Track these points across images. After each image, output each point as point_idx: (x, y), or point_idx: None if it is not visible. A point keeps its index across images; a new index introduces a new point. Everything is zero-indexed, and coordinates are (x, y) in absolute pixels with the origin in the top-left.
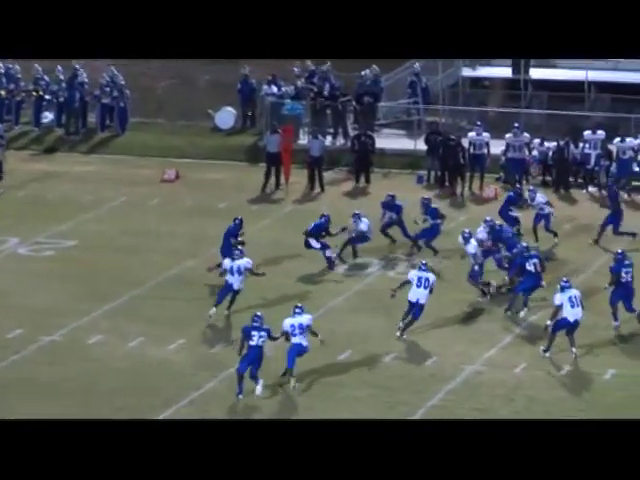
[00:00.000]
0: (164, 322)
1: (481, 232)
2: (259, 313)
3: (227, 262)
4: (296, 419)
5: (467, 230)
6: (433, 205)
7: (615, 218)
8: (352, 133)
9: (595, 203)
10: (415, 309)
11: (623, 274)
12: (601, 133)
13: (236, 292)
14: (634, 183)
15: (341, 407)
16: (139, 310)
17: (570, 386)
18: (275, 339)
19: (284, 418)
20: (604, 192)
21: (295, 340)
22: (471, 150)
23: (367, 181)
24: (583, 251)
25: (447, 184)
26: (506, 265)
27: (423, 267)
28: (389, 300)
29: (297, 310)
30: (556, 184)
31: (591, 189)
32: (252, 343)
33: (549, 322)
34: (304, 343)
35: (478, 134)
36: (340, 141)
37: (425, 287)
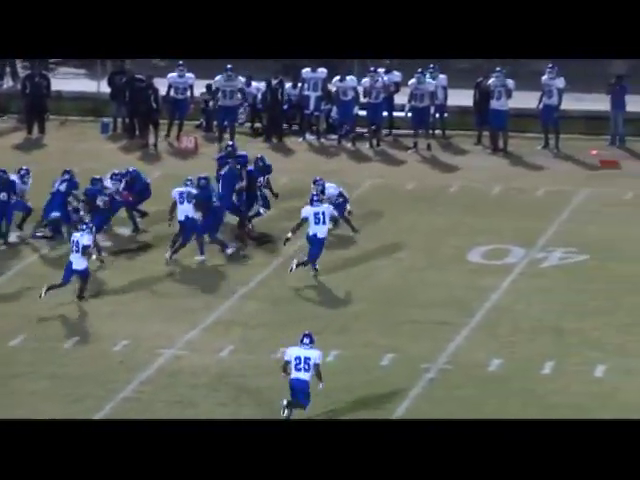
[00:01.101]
0: None
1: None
2: None
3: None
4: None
5: None
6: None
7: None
8: (22, 73)
9: (314, 153)
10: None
11: (214, 199)
12: (322, 71)
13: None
14: (359, 129)
15: (14, 402)
16: None
17: None
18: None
19: None
20: (323, 140)
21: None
22: (172, 94)
23: (41, 131)
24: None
25: (137, 133)
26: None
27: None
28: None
29: (83, 227)
30: (267, 132)
31: (309, 137)
32: None
33: (290, 234)
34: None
35: (180, 76)
36: (8, 83)
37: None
